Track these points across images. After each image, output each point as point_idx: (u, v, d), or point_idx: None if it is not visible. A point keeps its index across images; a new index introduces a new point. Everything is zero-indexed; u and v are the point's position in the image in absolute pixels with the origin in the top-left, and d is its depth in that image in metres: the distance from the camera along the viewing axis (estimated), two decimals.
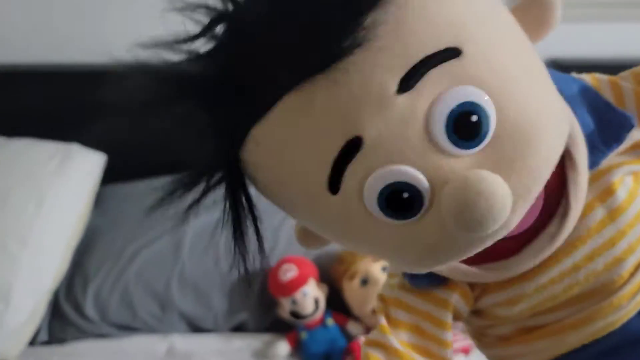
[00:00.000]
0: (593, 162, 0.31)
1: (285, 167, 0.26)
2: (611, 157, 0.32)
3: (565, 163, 0.29)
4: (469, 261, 0.30)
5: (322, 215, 0.27)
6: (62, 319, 1.13)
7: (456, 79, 0.24)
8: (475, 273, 0.31)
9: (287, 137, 0.25)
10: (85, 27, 1.30)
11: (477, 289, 0.34)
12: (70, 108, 1.32)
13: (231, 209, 0.28)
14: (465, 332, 0.54)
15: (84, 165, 1.21)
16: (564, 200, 0.29)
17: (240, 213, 0.28)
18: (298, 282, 1.08)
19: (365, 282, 1.08)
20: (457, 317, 0.36)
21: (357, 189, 0.25)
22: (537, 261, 0.31)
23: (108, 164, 1.30)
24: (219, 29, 0.25)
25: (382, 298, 0.36)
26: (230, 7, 0.25)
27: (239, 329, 1.15)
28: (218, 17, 0.25)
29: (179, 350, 1.10)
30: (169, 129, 0.29)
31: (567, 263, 0.31)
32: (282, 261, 1.11)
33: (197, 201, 0.29)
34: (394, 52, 0.23)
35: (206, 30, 0.25)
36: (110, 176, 1.32)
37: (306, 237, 0.32)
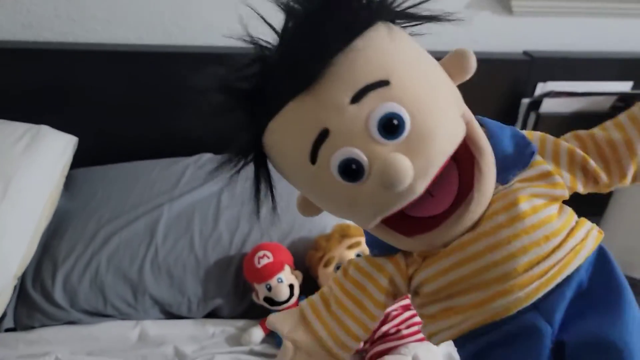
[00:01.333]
0: (504, 178, 0.45)
1: (287, 145, 0.42)
2: (524, 183, 0.45)
3: (475, 169, 0.43)
4: (406, 233, 0.44)
5: (306, 179, 0.43)
6: (29, 305, 1.09)
7: (385, 98, 0.39)
8: (408, 240, 0.45)
9: (288, 127, 0.41)
10: (60, 6, 1.26)
11: (411, 268, 0.47)
12: (43, 89, 1.29)
13: (255, 178, 0.45)
14: None
15: (54, 147, 1.18)
16: (470, 192, 0.43)
17: (262, 182, 0.45)
18: (273, 269, 1.07)
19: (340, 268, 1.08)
20: (396, 289, 0.49)
21: (326, 160, 0.40)
22: (450, 234, 0.44)
23: (79, 147, 1.26)
24: (254, 63, 0.43)
25: (349, 261, 0.52)
26: (261, 51, 0.43)
27: (213, 315, 1.14)
28: (255, 58, 0.42)
29: (152, 336, 1.08)
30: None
31: (471, 250, 0.43)
32: (258, 248, 1.11)
33: (237, 172, 0.44)
34: (348, 81, 0.40)
35: (246, 65, 0.43)
36: (82, 160, 1.28)
37: (304, 205, 0.47)
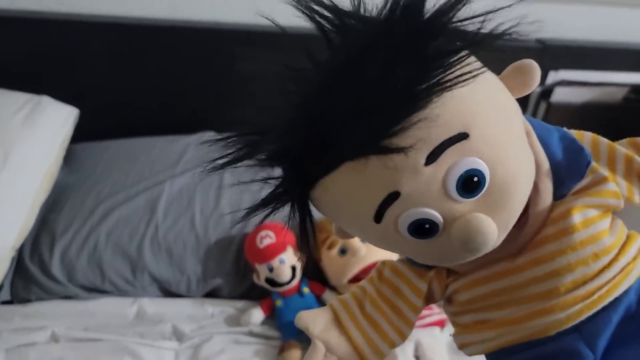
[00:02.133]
0: (559, 193, 0.40)
1: (345, 206, 0.37)
2: (578, 194, 0.41)
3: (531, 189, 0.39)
4: None
5: (367, 233, 0.39)
6: (26, 278, 1.08)
7: (464, 153, 0.34)
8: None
9: (348, 188, 0.36)
10: None
11: (450, 277, 0.44)
12: (45, 60, 1.26)
13: (300, 222, 0.39)
14: (440, 307, 0.65)
15: (55, 118, 1.15)
16: (525, 214, 0.39)
17: (304, 225, 0.39)
18: (275, 249, 1.06)
19: (344, 251, 1.06)
20: (431, 295, 0.46)
21: (393, 221, 0.36)
22: (499, 256, 0.40)
23: (80, 122, 1.24)
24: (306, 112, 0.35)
25: (383, 262, 0.47)
26: (316, 96, 0.35)
27: (212, 294, 1.12)
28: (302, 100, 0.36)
29: (149, 314, 1.07)
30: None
31: (513, 263, 0.40)
32: (260, 227, 1.08)
33: (267, 217, 0.39)
34: (423, 138, 0.33)
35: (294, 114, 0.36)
36: (83, 134, 1.26)
37: (342, 230, 0.42)
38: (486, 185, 0.35)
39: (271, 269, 1.05)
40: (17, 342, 0.97)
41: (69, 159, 1.24)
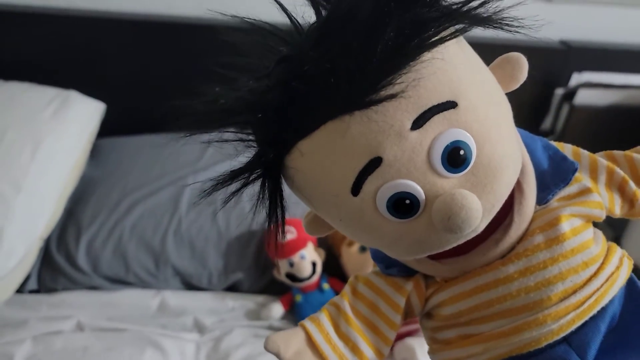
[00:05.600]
0: (543, 198, 0.39)
1: (321, 173, 0.34)
2: (563, 202, 0.40)
3: (515, 188, 0.38)
4: (433, 256, 0.39)
5: (341, 210, 0.36)
6: (53, 268, 1.10)
7: (451, 123, 0.33)
8: (434, 265, 0.40)
9: (326, 152, 0.33)
10: None
11: (430, 289, 0.42)
12: (73, 56, 1.29)
13: (269, 200, 0.36)
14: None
15: (82, 112, 1.18)
16: (509, 215, 0.38)
17: (275, 204, 0.37)
18: (296, 245, 1.07)
19: (364, 248, 1.07)
20: (410, 310, 0.43)
21: (372, 193, 0.33)
22: (483, 260, 0.38)
23: (106, 117, 1.27)
24: (284, 66, 0.34)
25: (356, 276, 0.45)
26: (293, 50, 0.34)
27: (233, 288, 1.14)
28: (283, 58, 0.34)
29: (171, 306, 1.09)
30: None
31: (502, 272, 0.38)
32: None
33: (238, 191, 0.37)
34: (411, 101, 0.32)
35: (272, 70, 0.34)
36: (109, 129, 1.29)
37: (315, 225, 0.41)
38: (472, 161, 0.33)
39: (292, 264, 1.06)
40: (44, 330, 1.00)
41: (96, 153, 1.26)
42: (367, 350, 0.42)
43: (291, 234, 1.07)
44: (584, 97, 1.41)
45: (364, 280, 0.44)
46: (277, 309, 1.07)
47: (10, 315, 1.03)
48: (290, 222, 1.09)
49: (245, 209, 1.14)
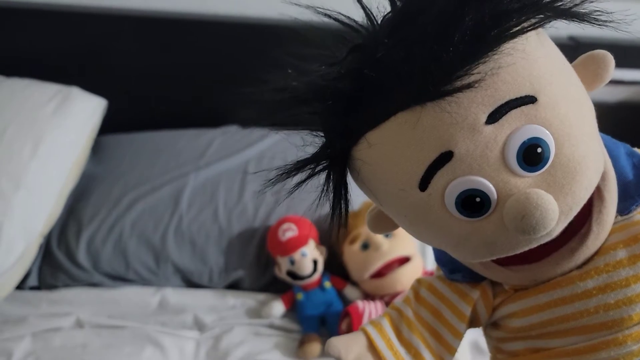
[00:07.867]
0: (625, 208, 0.37)
1: (389, 165, 0.33)
2: None
3: (594, 195, 0.35)
4: (501, 262, 0.36)
5: (407, 205, 0.34)
6: (53, 264, 1.10)
7: (529, 119, 0.31)
8: (503, 271, 0.37)
9: (394, 143, 0.32)
10: None
11: (499, 298, 0.40)
12: (75, 53, 1.29)
13: (334, 192, 0.35)
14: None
15: (84, 109, 1.17)
16: (587, 223, 0.35)
17: (339, 196, 0.36)
18: (297, 242, 1.05)
19: (366, 246, 1.05)
20: (475, 319, 0.41)
21: (441, 189, 0.32)
22: (557, 270, 0.36)
23: (108, 114, 1.26)
24: (357, 54, 0.33)
25: (418, 280, 0.43)
26: (367, 39, 0.33)
27: (233, 286, 1.12)
28: (357, 46, 0.33)
29: (172, 304, 1.08)
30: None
31: (580, 287, 0.36)
32: (282, 220, 1.08)
33: (303, 182, 0.35)
34: (487, 93, 0.30)
35: (344, 58, 0.33)
36: (111, 126, 1.28)
37: (378, 222, 0.39)
38: (550, 160, 0.31)
39: (293, 262, 1.05)
40: (43, 327, 0.99)
41: (97, 150, 1.26)
42: (429, 358, 0.40)
43: (292, 231, 1.06)
44: (593, 94, 1.38)
45: (427, 285, 0.42)
46: (278, 307, 1.05)
47: (10, 311, 1.03)
48: (292, 219, 1.08)
49: (247, 206, 1.11)
